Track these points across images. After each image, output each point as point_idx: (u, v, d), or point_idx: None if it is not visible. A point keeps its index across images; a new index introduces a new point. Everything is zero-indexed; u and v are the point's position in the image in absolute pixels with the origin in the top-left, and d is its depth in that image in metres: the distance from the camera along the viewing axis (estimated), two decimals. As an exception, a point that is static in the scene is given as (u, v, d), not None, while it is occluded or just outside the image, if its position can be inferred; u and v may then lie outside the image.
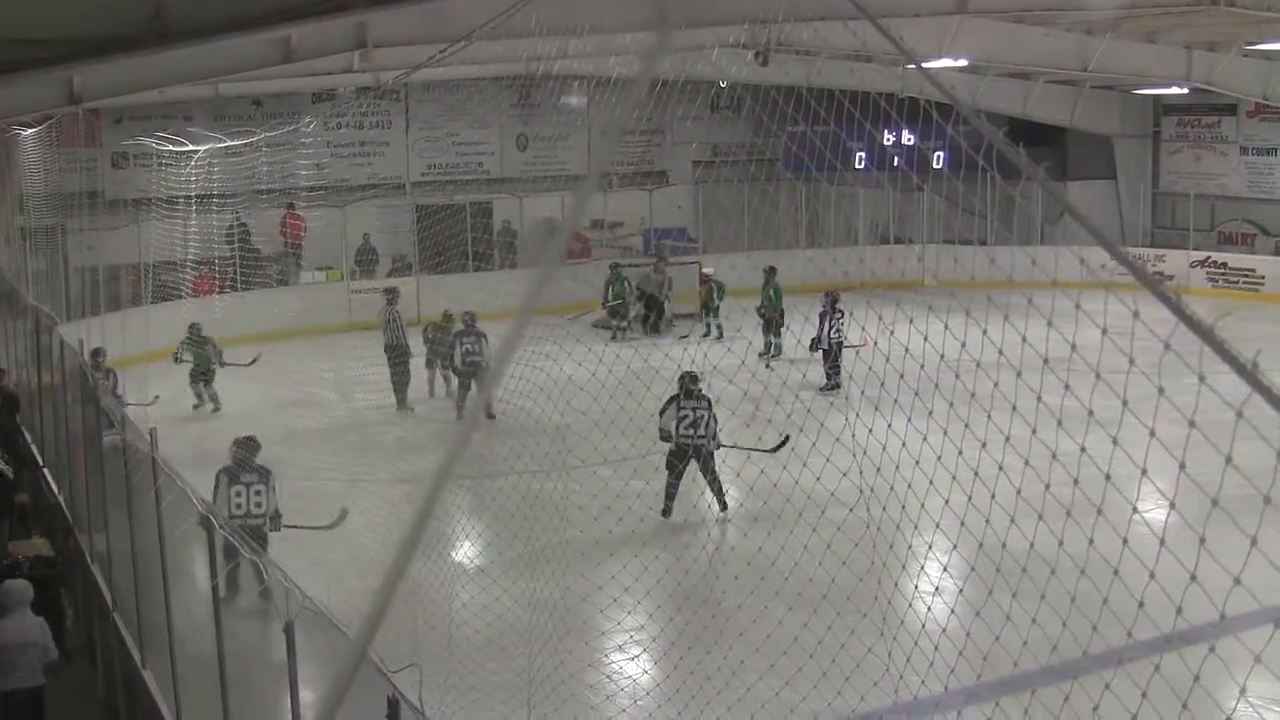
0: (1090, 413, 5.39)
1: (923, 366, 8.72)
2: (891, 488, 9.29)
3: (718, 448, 15.02)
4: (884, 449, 9.02)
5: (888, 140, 29.30)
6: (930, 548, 10.92)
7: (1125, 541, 5.71)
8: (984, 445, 7.41)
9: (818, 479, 10.62)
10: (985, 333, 7.26)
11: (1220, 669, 5.26)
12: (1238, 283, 30.25)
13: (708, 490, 15.15)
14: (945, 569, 10.82)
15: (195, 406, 21.18)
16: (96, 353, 18.53)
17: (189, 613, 8.67)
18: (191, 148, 23.39)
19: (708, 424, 14.87)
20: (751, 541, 13.17)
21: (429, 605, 11.45)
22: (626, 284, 27.43)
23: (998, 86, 31.00)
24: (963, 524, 7.85)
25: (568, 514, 12.90)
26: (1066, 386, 5.67)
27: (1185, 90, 29.69)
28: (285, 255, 29.49)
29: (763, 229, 29.63)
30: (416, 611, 11.07)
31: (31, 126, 22.15)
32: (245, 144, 24.06)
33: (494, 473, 14.65)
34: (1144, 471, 4.81)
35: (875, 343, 9.94)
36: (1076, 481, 5.77)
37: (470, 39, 15.23)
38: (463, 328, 20.32)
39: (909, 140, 29.64)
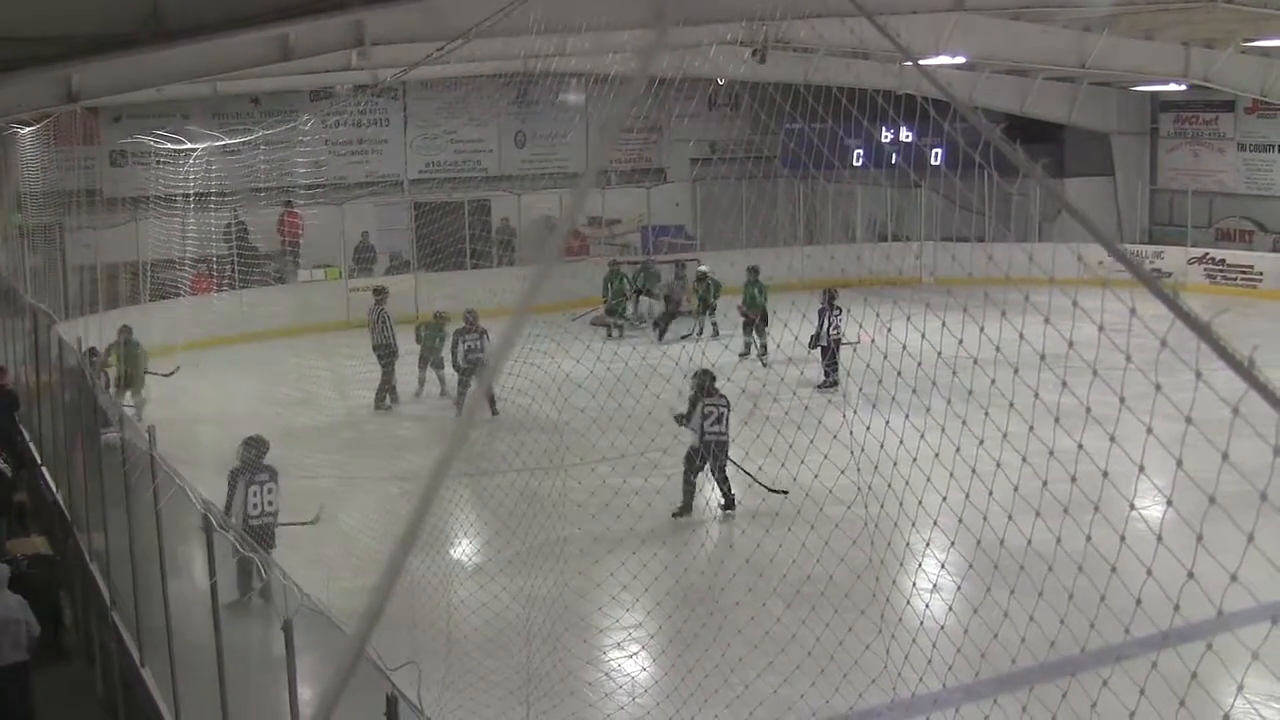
0: (1088, 410, 5.40)
1: (920, 364, 8.72)
2: (889, 485, 9.29)
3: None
4: (882, 446, 9.02)
5: (885, 138, 29.32)
6: (928, 545, 10.93)
7: (1123, 538, 5.71)
8: (981, 442, 7.41)
9: (816, 476, 10.64)
10: (983, 330, 7.27)
11: (1218, 666, 5.27)
12: (1236, 279, 30.27)
13: (713, 487, 15.16)
14: (943, 566, 10.83)
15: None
16: (92, 352, 18.55)
17: (188, 611, 8.68)
18: (189, 146, 23.38)
19: (728, 420, 14.95)
20: (750, 538, 13.18)
21: (427, 603, 11.46)
22: (625, 281, 27.43)
23: (995, 83, 31.01)
24: (960, 521, 7.85)
25: (566, 511, 12.90)
26: (1064, 383, 5.68)
27: (1183, 87, 29.69)
28: (283, 253, 29.47)
29: (760, 226, 29.61)
30: (415, 609, 11.08)
31: (30, 125, 22.15)
32: (243, 142, 24.05)
33: (492, 470, 14.65)
34: (1141, 468, 4.81)
35: (873, 340, 9.94)
36: (1074, 478, 5.78)
37: (468, 36, 15.22)
38: (464, 325, 20.34)
39: (907, 138, 29.67)
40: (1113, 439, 5.13)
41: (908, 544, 11.90)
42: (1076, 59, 26.63)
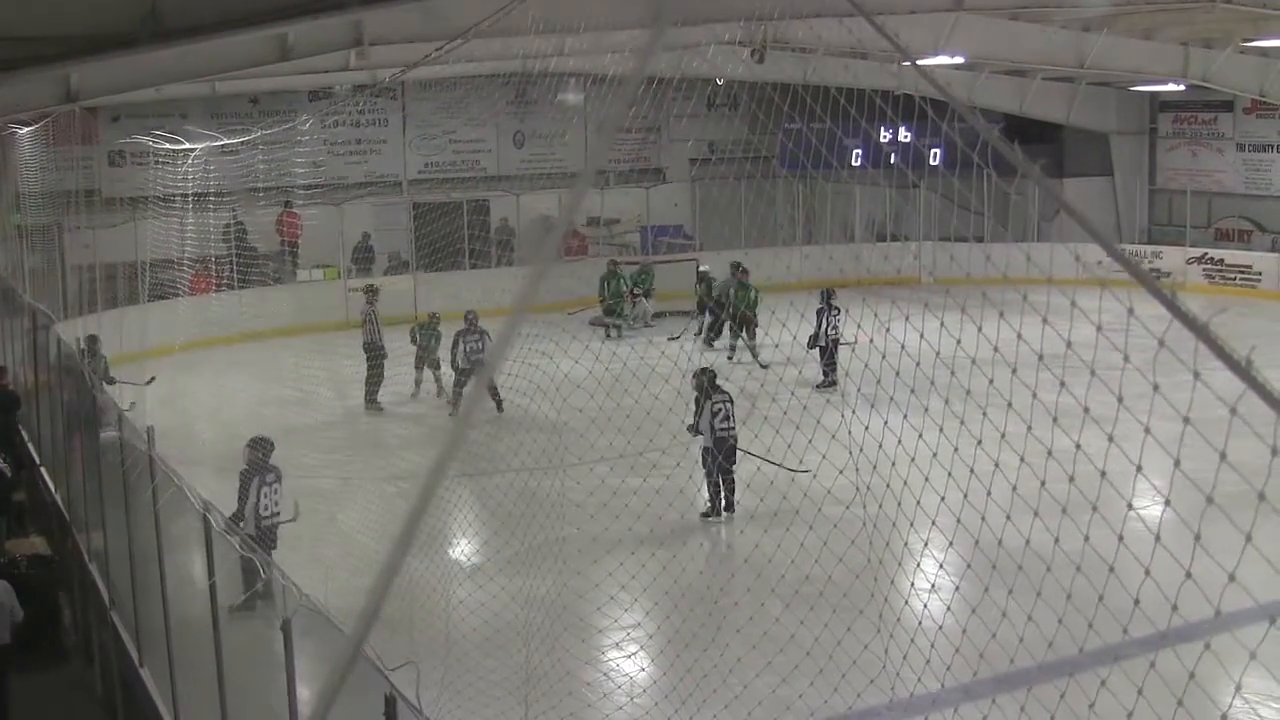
0: (1086, 410, 5.40)
1: (919, 364, 8.73)
2: (888, 485, 9.30)
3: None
4: (880, 446, 9.02)
5: (884, 138, 29.32)
6: (926, 545, 10.93)
7: (1121, 538, 5.72)
8: (980, 442, 7.41)
9: (814, 476, 10.63)
10: (981, 330, 7.26)
11: (1216, 665, 5.28)
12: (1234, 279, 30.28)
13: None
14: (941, 566, 10.84)
15: None
16: (92, 339, 18.53)
17: (186, 611, 8.67)
18: (188, 146, 23.35)
19: (734, 416, 14.97)
20: (748, 539, 13.19)
21: (426, 603, 11.46)
22: (622, 281, 27.44)
23: (994, 83, 31.01)
24: (959, 521, 7.86)
25: (564, 511, 12.90)
26: (1062, 383, 5.68)
27: (1182, 87, 29.69)
28: (282, 254, 29.46)
29: (759, 226, 29.62)
30: (414, 609, 11.08)
31: (28, 125, 22.14)
32: (242, 142, 24.03)
33: (491, 470, 14.66)
34: (1139, 468, 4.82)
35: (871, 340, 9.95)
36: (1072, 478, 5.78)
37: (466, 36, 15.23)
38: (465, 326, 20.34)
39: (905, 138, 29.69)
40: (1111, 439, 5.13)
41: (906, 544, 11.92)
42: (1075, 59, 26.64)
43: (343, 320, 26.01)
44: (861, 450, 9.26)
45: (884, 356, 9.11)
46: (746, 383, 16.69)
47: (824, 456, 9.79)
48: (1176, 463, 4.39)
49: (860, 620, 9.90)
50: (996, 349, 6.85)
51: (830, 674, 9.35)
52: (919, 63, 5.09)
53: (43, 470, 15.73)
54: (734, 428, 14.98)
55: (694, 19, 16.78)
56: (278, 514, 12.26)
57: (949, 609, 10.60)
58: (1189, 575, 4.74)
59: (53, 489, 14.75)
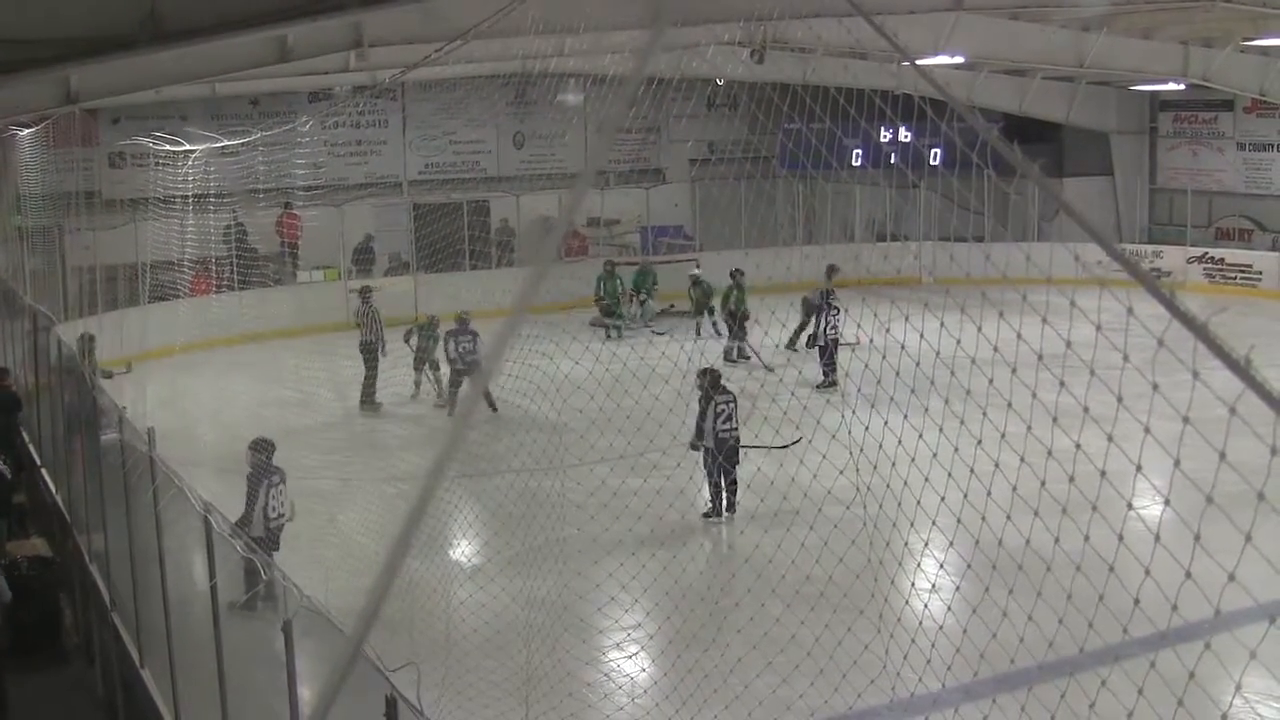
0: (1085, 409, 5.40)
1: (919, 364, 8.73)
2: (888, 485, 9.30)
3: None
4: (880, 446, 9.02)
5: (884, 138, 29.32)
6: (927, 545, 10.93)
7: (1121, 538, 5.72)
8: (980, 442, 7.41)
9: (814, 476, 10.63)
10: (980, 330, 7.27)
11: (1216, 665, 5.27)
12: (1235, 278, 30.28)
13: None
14: (942, 566, 10.84)
15: None
16: (90, 339, 18.52)
17: (187, 612, 8.67)
18: (188, 147, 23.37)
19: (737, 416, 14.97)
20: (748, 539, 13.19)
21: (427, 604, 11.47)
22: (620, 282, 27.47)
23: (994, 83, 31.00)
24: (959, 521, 7.86)
25: (565, 512, 12.90)
26: (1061, 383, 5.68)
27: (1182, 86, 29.69)
28: (282, 255, 29.46)
29: (759, 226, 29.61)
30: (414, 610, 11.09)
31: (29, 126, 22.15)
32: (242, 143, 24.02)
33: (491, 470, 14.67)
34: (1139, 468, 4.82)
35: (871, 340, 9.95)
36: (1072, 478, 5.78)
37: (466, 37, 15.23)
38: (456, 327, 20.45)
39: (905, 138, 29.69)
40: (1110, 439, 5.13)
41: (906, 544, 11.91)
42: (1075, 58, 26.64)
43: (343, 321, 26.02)
44: (862, 450, 9.27)
45: (884, 356, 9.11)
46: (746, 382, 16.68)
47: (824, 457, 9.79)
48: (1176, 462, 4.40)
49: (861, 620, 9.90)
50: (996, 349, 6.86)
51: (831, 674, 9.35)
52: (918, 63, 5.10)
53: (43, 472, 15.73)
54: (736, 428, 14.98)
55: (694, 19, 16.77)
56: (283, 515, 12.27)
57: (949, 609, 10.60)
58: (1189, 575, 4.74)
59: (53, 490, 14.75)
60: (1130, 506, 5.93)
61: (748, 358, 22.99)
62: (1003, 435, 7.09)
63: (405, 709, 5.37)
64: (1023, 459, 6.86)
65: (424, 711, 5.78)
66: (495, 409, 18.10)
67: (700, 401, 15.06)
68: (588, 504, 13.37)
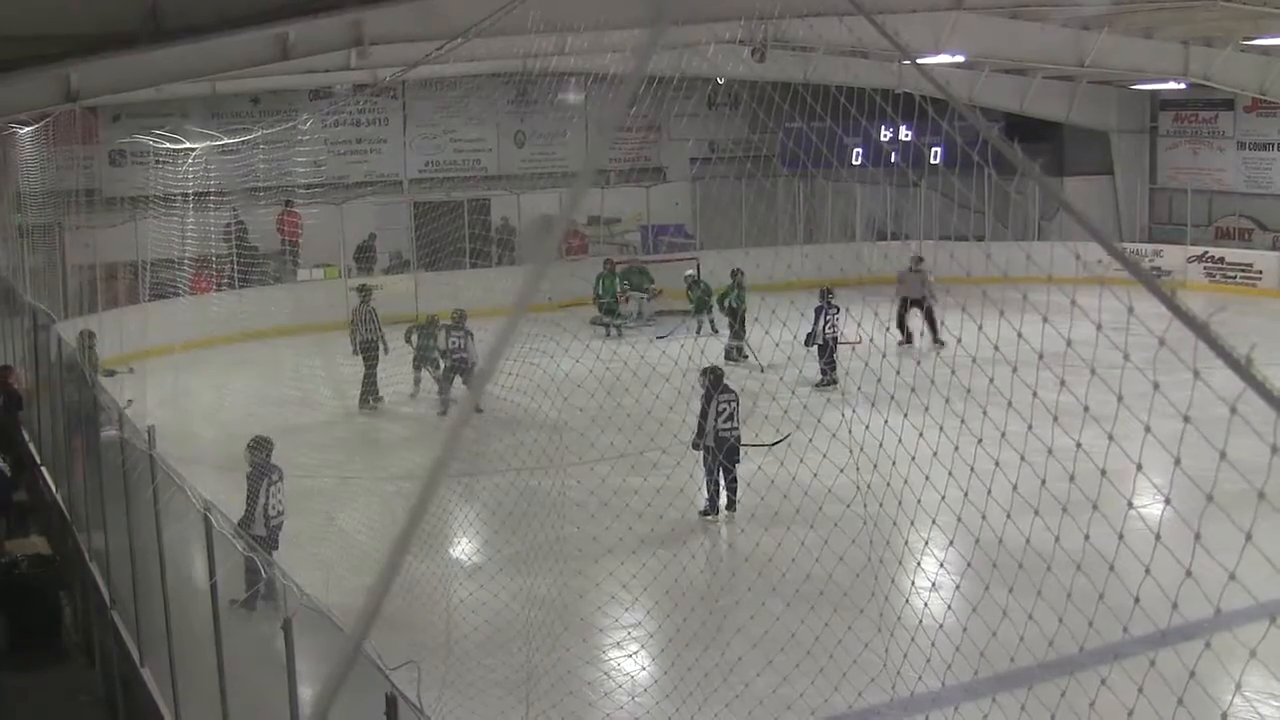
0: (1086, 408, 5.40)
1: (919, 362, 8.73)
2: (888, 484, 9.30)
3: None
4: (880, 445, 9.02)
5: (884, 136, 29.33)
6: (927, 544, 10.94)
7: (1121, 537, 5.71)
8: (980, 441, 7.41)
9: (815, 475, 10.63)
10: (981, 328, 7.26)
11: (1216, 664, 5.28)
12: (1235, 278, 30.29)
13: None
14: (942, 565, 10.84)
15: None
16: (90, 336, 18.51)
17: (187, 611, 8.67)
18: (189, 145, 23.37)
19: (738, 414, 14.97)
20: (749, 538, 13.18)
21: (427, 602, 11.46)
22: (618, 280, 27.49)
23: (994, 82, 31.00)
24: (959, 520, 7.86)
25: (565, 511, 12.90)
26: (1062, 382, 5.68)
27: (1182, 85, 29.69)
28: (282, 253, 29.46)
29: (759, 226, 29.61)
30: (415, 609, 11.09)
31: (29, 124, 22.14)
32: (242, 141, 24.04)
33: (491, 469, 14.66)
34: (1139, 467, 4.82)
35: (871, 340, 9.94)
36: (1072, 477, 5.78)
37: (467, 36, 15.22)
38: (451, 323, 20.52)
39: (906, 136, 29.69)
40: (1111, 437, 5.13)
41: (906, 543, 11.92)
42: (1075, 57, 26.63)
43: (343, 320, 26.02)
44: (862, 449, 9.26)
45: (884, 355, 9.11)
46: (746, 382, 16.69)
47: (824, 455, 9.79)
48: (1176, 461, 4.40)
49: (861, 619, 9.90)
50: (997, 347, 6.85)
51: (831, 673, 9.35)
52: (919, 61, 5.09)
53: (43, 470, 15.73)
54: (737, 427, 14.98)
55: (694, 18, 16.78)
56: (283, 513, 12.28)
57: (950, 608, 10.59)
58: (1189, 574, 4.74)
59: (53, 488, 14.75)
60: (1131, 505, 5.92)
61: (747, 357, 23.01)
62: (1003, 434, 7.09)
63: (406, 708, 5.37)
64: (1023, 458, 6.86)
65: (424, 710, 5.78)
66: (480, 409, 18.07)
67: (702, 400, 15.06)
68: (588, 502, 13.37)
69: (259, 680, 7.61)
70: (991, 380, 6.76)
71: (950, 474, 7.88)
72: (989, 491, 7.14)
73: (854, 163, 29.76)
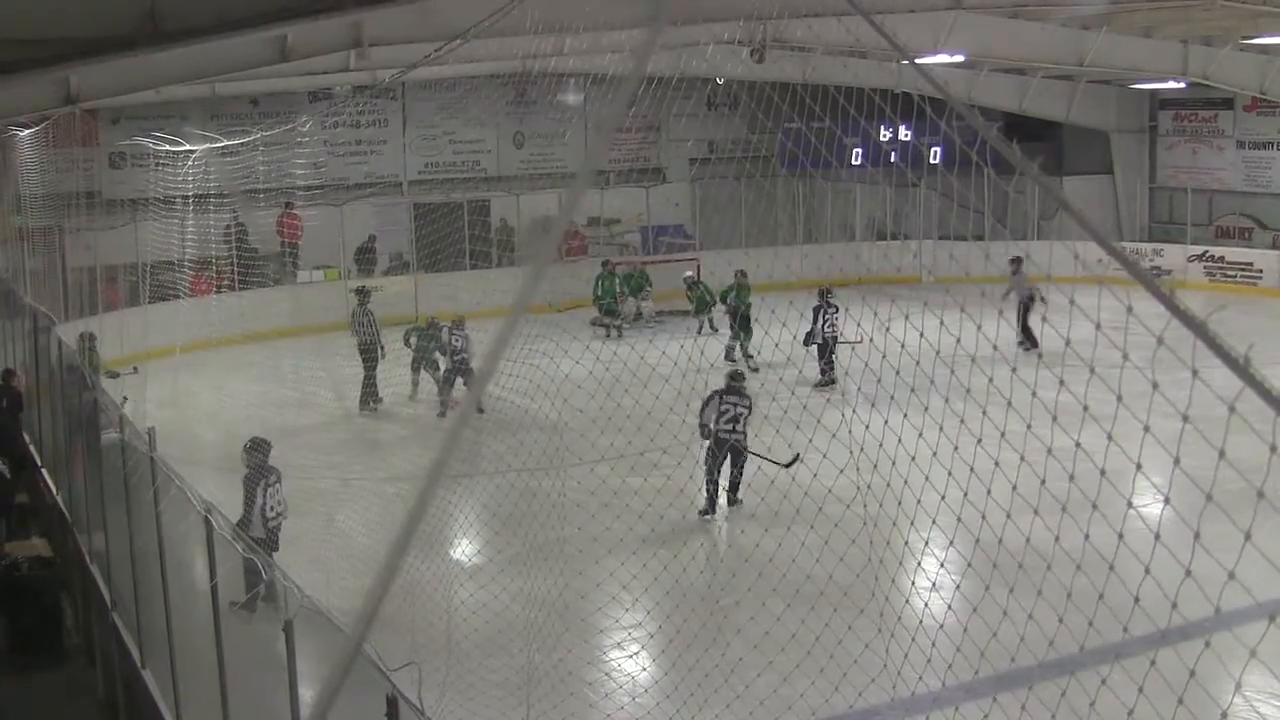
0: (1085, 408, 5.40)
1: (919, 362, 8.73)
2: (888, 484, 9.30)
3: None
4: (880, 445, 9.02)
5: (884, 136, 29.34)
6: (927, 544, 10.94)
7: (1121, 537, 5.71)
8: (979, 441, 7.41)
9: (815, 475, 10.63)
10: (980, 328, 7.27)
11: (1216, 663, 5.28)
12: (1235, 277, 30.30)
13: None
14: (942, 565, 10.84)
15: None
16: (90, 338, 18.53)
17: (188, 612, 8.67)
18: (188, 147, 23.36)
19: (746, 421, 14.95)
20: (749, 538, 13.19)
21: (428, 603, 11.47)
22: (618, 281, 27.49)
23: (993, 82, 31.01)
24: (959, 520, 7.85)
25: (565, 511, 12.90)
26: (1061, 382, 5.68)
27: (1182, 85, 29.70)
28: (282, 255, 29.46)
29: (759, 226, 29.62)
30: (415, 610, 11.09)
31: (29, 127, 22.14)
32: (242, 143, 24.03)
33: (491, 470, 14.66)
34: (1139, 466, 4.82)
35: (871, 340, 9.93)
36: (1072, 477, 5.78)
37: (466, 37, 15.23)
38: (451, 324, 20.56)
39: (905, 136, 29.69)
40: (1110, 437, 5.13)
41: (907, 543, 11.90)
42: (1075, 57, 26.64)
43: (343, 321, 26.03)
44: (862, 449, 9.26)
45: (884, 355, 9.10)
46: (747, 381, 16.64)
47: (825, 456, 9.79)
48: (1176, 461, 4.40)
49: (861, 619, 9.90)
50: (996, 347, 6.86)
51: (831, 673, 9.36)
52: (918, 61, 5.09)
53: (44, 472, 15.73)
54: (740, 432, 14.97)
55: (693, 18, 16.78)
56: (281, 514, 12.28)
57: (950, 607, 10.60)
58: (1189, 573, 4.74)
59: (54, 490, 14.75)
60: (1130, 505, 5.92)
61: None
62: (1003, 434, 7.09)
63: (406, 709, 5.37)
64: (1023, 457, 6.86)
65: (425, 711, 5.78)
66: (482, 410, 18.10)
67: (705, 398, 15.10)
68: (588, 503, 13.37)
69: (260, 681, 7.62)
70: (991, 380, 6.76)
71: (950, 474, 7.87)
72: (989, 491, 7.14)
73: (853, 163, 29.77)
